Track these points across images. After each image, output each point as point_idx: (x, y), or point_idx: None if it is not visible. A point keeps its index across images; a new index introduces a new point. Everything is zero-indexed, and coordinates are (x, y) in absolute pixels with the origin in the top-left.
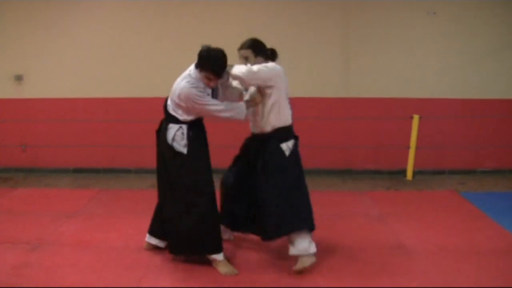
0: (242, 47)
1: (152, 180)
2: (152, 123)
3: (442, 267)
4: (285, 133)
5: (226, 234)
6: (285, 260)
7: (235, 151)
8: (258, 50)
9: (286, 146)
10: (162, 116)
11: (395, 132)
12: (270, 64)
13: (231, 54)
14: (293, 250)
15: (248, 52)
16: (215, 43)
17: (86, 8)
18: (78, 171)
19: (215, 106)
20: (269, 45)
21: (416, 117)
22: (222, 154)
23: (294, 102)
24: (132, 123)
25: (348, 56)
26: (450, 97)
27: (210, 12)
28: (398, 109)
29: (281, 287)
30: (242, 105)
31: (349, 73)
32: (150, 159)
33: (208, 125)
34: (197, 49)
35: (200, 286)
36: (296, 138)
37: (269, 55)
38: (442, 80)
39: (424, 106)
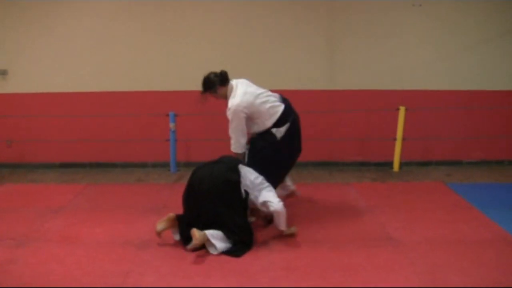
0: (201, 93)
1: (138, 174)
2: (138, 117)
3: (429, 258)
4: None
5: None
6: (266, 256)
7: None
8: (209, 86)
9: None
10: (147, 109)
11: (382, 124)
12: (232, 109)
13: (217, 47)
14: None
15: (207, 95)
16: (198, 38)
17: (70, 2)
18: (64, 166)
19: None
20: (255, 39)
21: (402, 109)
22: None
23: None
24: (118, 117)
25: (334, 48)
26: (437, 88)
27: (193, 6)
28: (384, 101)
29: (261, 286)
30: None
31: (334, 66)
32: (136, 153)
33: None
34: (182, 42)
35: (187, 279)
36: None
37: (223, 79)
38: (428, 72)
39: (411, 98)
